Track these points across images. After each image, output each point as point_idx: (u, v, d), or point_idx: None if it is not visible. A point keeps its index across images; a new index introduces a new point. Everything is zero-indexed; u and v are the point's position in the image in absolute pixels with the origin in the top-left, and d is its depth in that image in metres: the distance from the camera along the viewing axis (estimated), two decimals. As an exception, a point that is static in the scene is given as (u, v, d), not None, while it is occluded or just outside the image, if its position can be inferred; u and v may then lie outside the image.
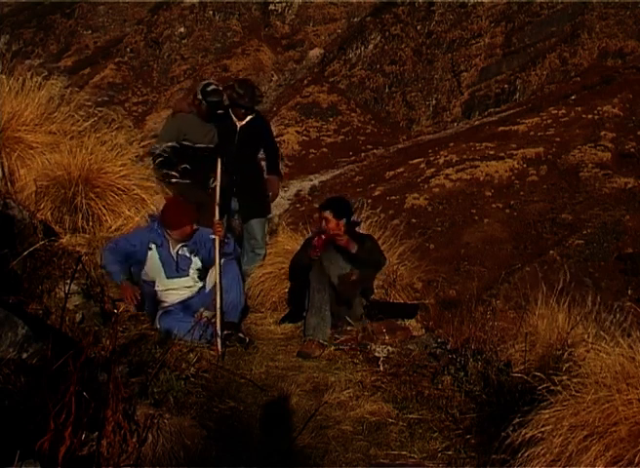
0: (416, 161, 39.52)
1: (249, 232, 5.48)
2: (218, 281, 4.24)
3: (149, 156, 5.42)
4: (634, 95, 40.48)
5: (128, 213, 5.42)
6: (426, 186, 34.29)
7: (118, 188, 5.51)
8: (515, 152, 35.68)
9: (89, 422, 2.33)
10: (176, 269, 4.36)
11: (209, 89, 5.18)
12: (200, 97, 5.18)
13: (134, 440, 2.52)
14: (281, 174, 5.74)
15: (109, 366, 2.54)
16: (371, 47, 60.03)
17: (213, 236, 4.36)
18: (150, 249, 4.33)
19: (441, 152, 39.23)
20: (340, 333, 4.61)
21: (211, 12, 66.64)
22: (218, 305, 4.18)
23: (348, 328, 4.67)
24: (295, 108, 55.12)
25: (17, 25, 71.68)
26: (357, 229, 4.92)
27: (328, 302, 4.52)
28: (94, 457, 2.30)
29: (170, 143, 5.17)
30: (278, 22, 67.00)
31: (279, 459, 2.95)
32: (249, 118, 5.29)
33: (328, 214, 4.69)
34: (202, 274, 4.44)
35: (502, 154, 35.74)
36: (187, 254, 4.40)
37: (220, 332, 4.09)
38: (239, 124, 5.29)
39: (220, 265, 4.28)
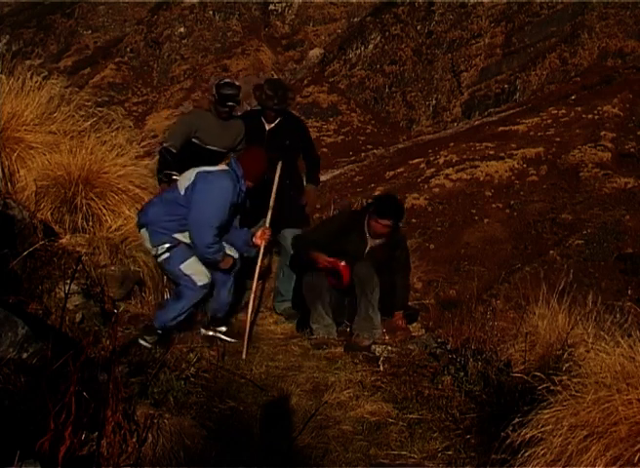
0: (416, 161, 39.51)
1: (282, 244, 5.14)
2: (254, 288, 4.26)
3: (156, 152, 5.28)
4: (634, 95, 40.48)
5: (128, 212, 5.41)
6: (426, 186, 34.27)
7: (118, 188, 5.51)
8: (515, 152, 35.66)
9: (89, 422, 2.33)
10: None
11: (223, 82, 4.99)
12: (214, 91, 4.98)
13: (134, 440, 2.53)
14: (319, 182, 5.37)
15: (109, 366, 2.53)
16: (371, 47, 60.06)
17: (256, 242, 4.27)
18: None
19: (441, 152, 39.22)
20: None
21: (211, 12, 66.67)
22: (250, 310, 4.25)
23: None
24: (295, 108, 55.10)
25: (17, 25, 71.74)
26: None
27: (329, 305, 4.61)
28: (94, 457, 2.30)
29: (175, 144, 4.96)
30: (278, 22, 67.04)
31: (279, 459, 2.95)
32: (278, 120, 5.00)
33: (389, 222, 4.56)
34: None
35: (502, 154, 35.73)
36: None
37: (247, 339, 4.17)
38: (268, 126, 5.01)
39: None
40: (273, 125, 5.01)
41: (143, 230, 4.07)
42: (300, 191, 5.14)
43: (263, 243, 4.29)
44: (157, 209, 4.04)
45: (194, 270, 3.98)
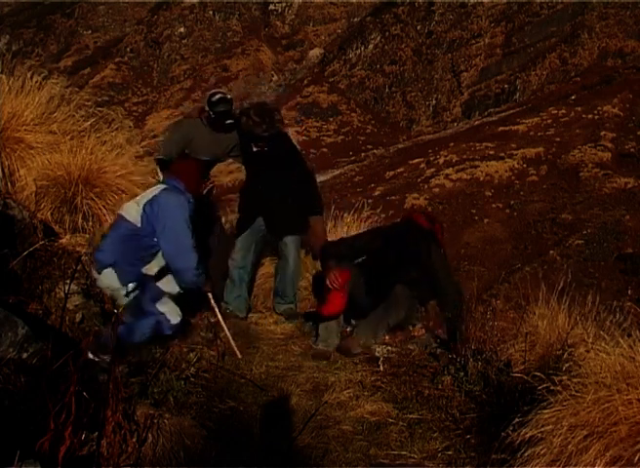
0: (416, 161, 39.48)
1: (283, 249, 5.08)
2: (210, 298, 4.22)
3: (155, 161, 5.17)
4: (634, 95, 40.45)
5: (128, 212, 5.41)
6: (426, 186, 34.25)
7: (118, 188, 5.52)
8: (515, 152, 35.64)
9: (89, 422, 2.34)
10: None
11: (214, 99, 4.88)
12: (207, 107, 4.91)
13: (134, 440, 2.53)
14: (322, 210, 5.08)
15: (109, 366, 2.53)
16: (371, 47, 60.03)
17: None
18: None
19: (441, 152, 39.19)
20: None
21: (211, 12, 66.66)
22: (217, 312, 4.22)
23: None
24: (295, 108, 55.12)
25: (17, 25, 71.72)
26: None
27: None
28: (94, 457, 2.30)
29: (169, 154, 4.91)
30: (278, 22, 67.01)
31: (279, 459, 2.95)
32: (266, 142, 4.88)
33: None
34: None
35: (502, 154, 35.71)
36: None
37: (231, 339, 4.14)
38: (255, 148, 4.91)
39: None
40: (261, 146, 4.88)
41: (108, 271, 3.79)
42: (299, 199, 5.01)
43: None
44: (118, 247, 3.81)
45: (169, 308, 3.87)
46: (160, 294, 3.88)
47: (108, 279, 3.80)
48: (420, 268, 4.42)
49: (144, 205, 3.86)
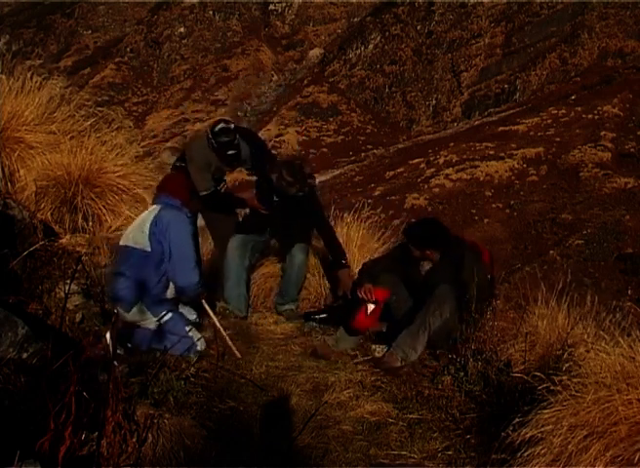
0: (416, 161, 39.46)
1: (289, 252, 5.09)
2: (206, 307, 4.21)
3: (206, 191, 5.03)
4: (634, 95, 40.43)
5: (128, 213, 5.42)
6: (426, 186, 34.23)
7: (118, 188, 5.52)
8: (515, 152, 35.61)
9: (89, 422, 2.34)
10: None
11: (216, 129, 4.89)
12: (210, 135, 4.91)
13: (134, 440, 2.53)
14: (347, 262, 5.03)
15: (109, 366, 2.54)
16: (371, 47, 60.01)
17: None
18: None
19: (441, 152, 39.17)
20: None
21: (211, 12, 66.64)
22: (211, 313, 4.22)
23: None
24: (295, 108, 55.12)
25: (17, 25, 71.73)
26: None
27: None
28: (94, 457, 2.30)
29: (209, 187, 4.99)
30: (278, 22, 67.00)
31: (279, 459, 2.95)
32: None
33: (413, 248, 4.31)
34: None
35: (502, 154, 35.68)
36: None
37: (228, 339, 4.14)
38: (282, 203, 4.94)
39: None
40: (290, 202, 4.90)
41: (136, 307, 3.85)
42: (307, 223, 5.08)
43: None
44: (137, 279, 3.83)
45: (196, 333, 3.98)
46: (187, 321, 4.01)
47: (140, 315, 3.88)
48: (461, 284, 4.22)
49: (150, 227, 3.88)
